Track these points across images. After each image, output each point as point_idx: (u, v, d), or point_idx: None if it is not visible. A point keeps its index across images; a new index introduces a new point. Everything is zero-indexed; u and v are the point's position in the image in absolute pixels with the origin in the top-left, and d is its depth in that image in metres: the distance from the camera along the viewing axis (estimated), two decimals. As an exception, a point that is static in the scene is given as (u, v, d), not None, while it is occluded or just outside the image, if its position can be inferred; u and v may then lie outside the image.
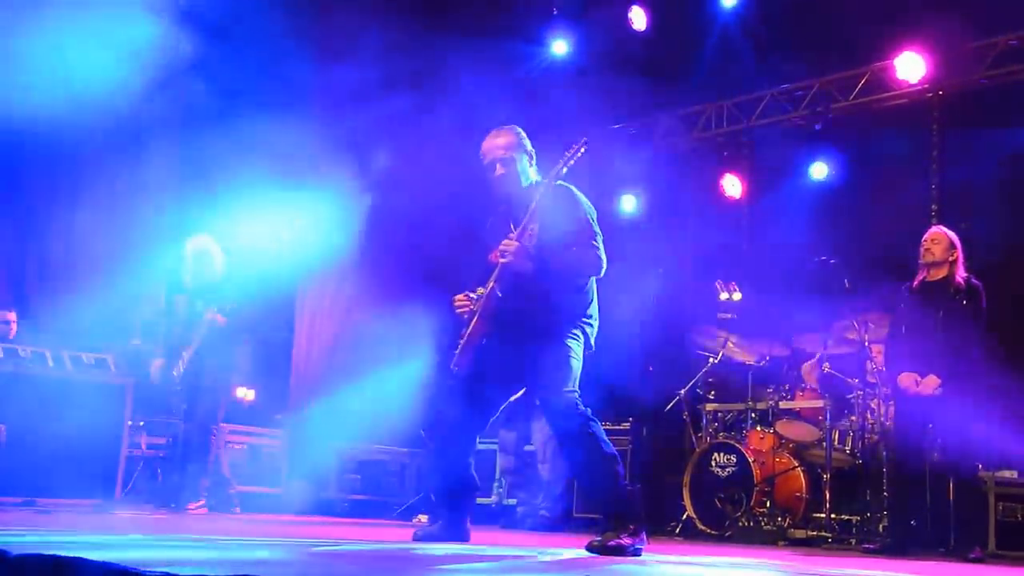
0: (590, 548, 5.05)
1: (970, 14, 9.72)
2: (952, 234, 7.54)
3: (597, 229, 5.48)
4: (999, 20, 9.78)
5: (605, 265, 5.45)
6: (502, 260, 5.33)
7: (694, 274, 10.86)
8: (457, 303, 5.58)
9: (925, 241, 7.55)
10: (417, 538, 5.53)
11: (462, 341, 5.45)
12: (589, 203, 5.57)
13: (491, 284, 5.37)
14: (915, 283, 7.58)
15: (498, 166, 5.57)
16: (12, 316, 9.12)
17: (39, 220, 9.57)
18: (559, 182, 5.48)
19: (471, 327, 5.41)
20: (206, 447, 8.47)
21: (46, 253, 9.53)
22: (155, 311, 9.49)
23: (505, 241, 5.36)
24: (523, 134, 5.70)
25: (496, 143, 5.61)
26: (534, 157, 5.70)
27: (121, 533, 4.80)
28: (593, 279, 5.56)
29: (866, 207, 9.95)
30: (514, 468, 9.12)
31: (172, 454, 8.83)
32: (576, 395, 5.32)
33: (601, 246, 5.45)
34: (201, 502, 8.35)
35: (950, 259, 7.44)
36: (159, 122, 10.24)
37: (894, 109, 10.65)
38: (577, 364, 5.39)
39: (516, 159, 5.58)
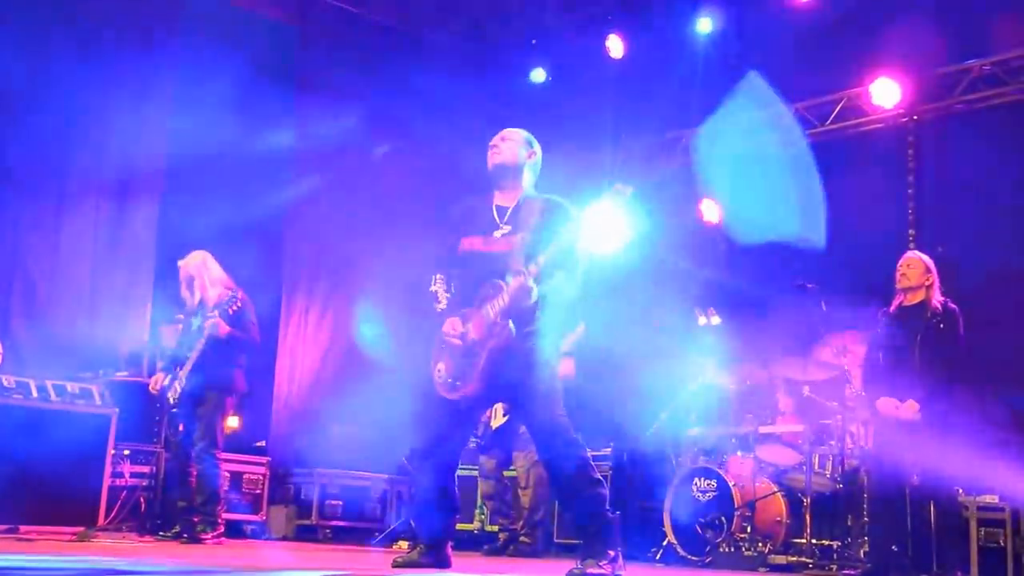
0: (570, 576, 5.08)
1: (944, 40, 9.85)
2: (927, 259, 7.55)
3: (581, 256, 5.36)
4: (973, 46, 9.89)
5: (578, 295, 5.37)
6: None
7: (673, 298, 10.88)
8: (448, 334, 5.38)
9: (900, 266, 7.57)
10: (397, 565, 5.47)
11: (471, 378, 5.31)
12: (580, 223, 5.40)
13: (495, 317, 5.24)
14: (892, 308, 7.59)
15: (492, 153, 5.52)
16: (-2, 346, 9.10)
17: (25, 250, 9.57)
18: (556, 197, 5.48)
19: (481, 363, 5.27)
20: (213, 471, 8.14)
21: (31, 283, 9.52)
22: (139, 342, 9.44)
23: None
24: (531, 140, 5.63)
25: (501, 139, 5.57)
26: (538, 164, 5.64)
27: (104, 562, 4.81)
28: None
29: (843, 232, 9.99)
30: (495, 494, 9.12)
31: (159, 483, 8.61)
32: (566, 419, 5.30)
33: (580, 276, 5.36)
34: (219, 530, 8.11)
35: (926, 283, 7.44)
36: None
37: (869, 134, 10.74)
38: (560, 384, 5.39)
39: (516, 158, 5.52)
